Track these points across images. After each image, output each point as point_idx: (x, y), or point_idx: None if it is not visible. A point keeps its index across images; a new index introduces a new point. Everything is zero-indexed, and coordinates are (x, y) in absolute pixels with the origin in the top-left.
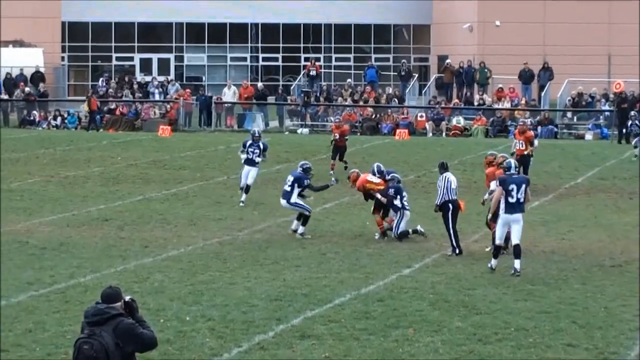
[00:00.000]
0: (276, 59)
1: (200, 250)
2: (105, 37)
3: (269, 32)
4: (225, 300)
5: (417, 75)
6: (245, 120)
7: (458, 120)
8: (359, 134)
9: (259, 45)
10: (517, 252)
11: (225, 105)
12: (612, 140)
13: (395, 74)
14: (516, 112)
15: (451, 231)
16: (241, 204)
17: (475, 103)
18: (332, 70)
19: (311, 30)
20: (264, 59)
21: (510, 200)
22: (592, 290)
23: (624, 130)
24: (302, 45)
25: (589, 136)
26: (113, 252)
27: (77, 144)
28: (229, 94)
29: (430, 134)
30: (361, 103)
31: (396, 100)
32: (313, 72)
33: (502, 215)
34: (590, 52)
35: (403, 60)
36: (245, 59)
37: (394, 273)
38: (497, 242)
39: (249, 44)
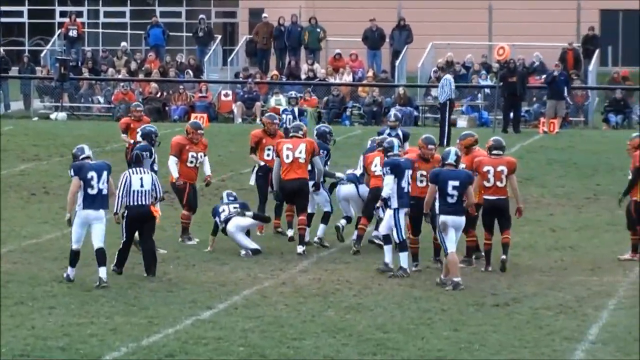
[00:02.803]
0: (20, 14)
1: None
2: None
3: None
4: None
5: (220, 37)
6: None
7: (278, 101)
8: None
9: None
10: None
11: None
12: (495, 129)
13: (190, 34)
14: (360, 88)
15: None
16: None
17: (303, 76)
18: (100, 30)
19: None
20: (3, 14)
21: None
22: (467, 340)
23: (512, 115)
24: None
25: (462, 122)
26: None
27: None
28: None
29: (239, 120)
30: (141, 76)
31: (190, 72)
32: (73, 33)
33: None
34: (464, 5)
35: (201, 16)
36: None
37: (189, 317)
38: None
39: None
